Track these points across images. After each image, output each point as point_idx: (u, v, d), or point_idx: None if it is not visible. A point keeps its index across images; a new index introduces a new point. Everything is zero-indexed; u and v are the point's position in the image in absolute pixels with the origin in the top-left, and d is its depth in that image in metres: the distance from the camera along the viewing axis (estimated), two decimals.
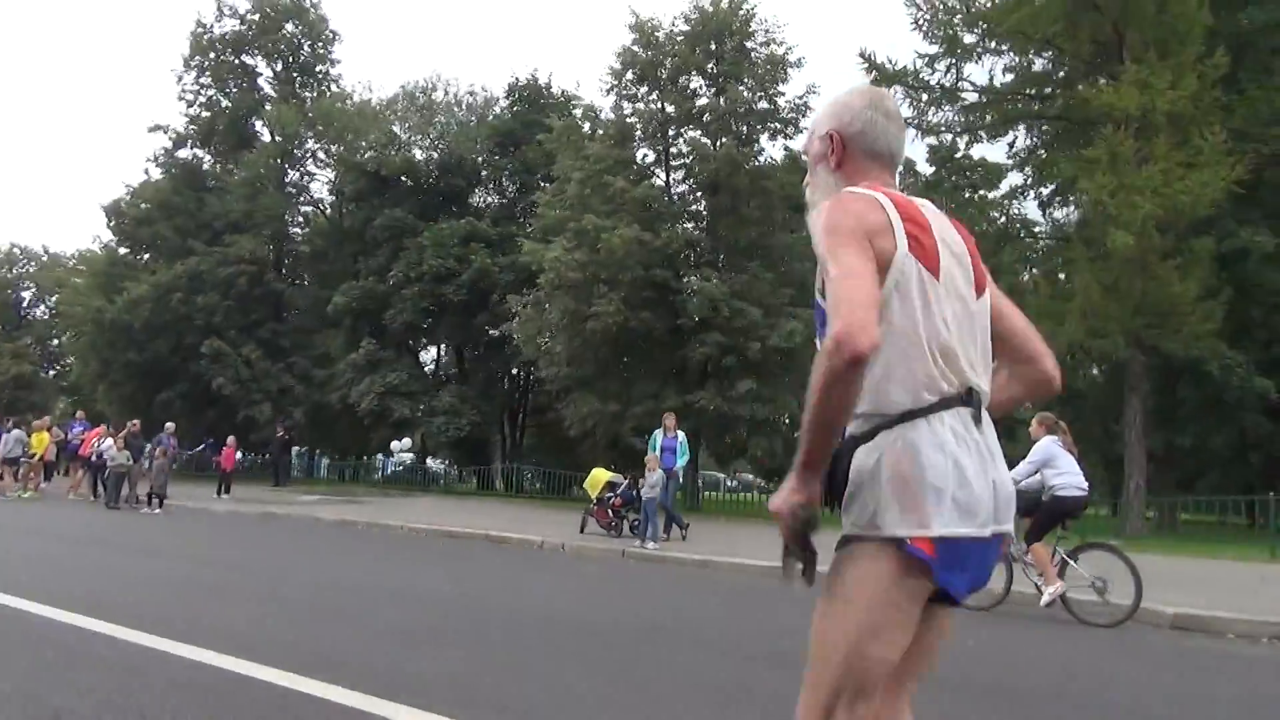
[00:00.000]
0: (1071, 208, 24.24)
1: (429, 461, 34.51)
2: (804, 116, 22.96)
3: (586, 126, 25.07)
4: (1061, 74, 22.51)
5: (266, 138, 36.06)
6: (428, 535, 14.20)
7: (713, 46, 23.31)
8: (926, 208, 1.93)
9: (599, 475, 14.47)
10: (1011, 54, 22.14)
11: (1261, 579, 10.83)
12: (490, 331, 28.91)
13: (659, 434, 14.14)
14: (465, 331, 30.15)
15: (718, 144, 22.65)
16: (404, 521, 15.31)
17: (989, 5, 21.58)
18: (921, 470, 1.75)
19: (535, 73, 32.65)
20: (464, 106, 34.15)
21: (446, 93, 34.56)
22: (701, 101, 23.44)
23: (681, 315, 21.56)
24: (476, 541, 13.47)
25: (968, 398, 1.83)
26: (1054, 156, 21.53)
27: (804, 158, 2.29)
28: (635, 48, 23.77)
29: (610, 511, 14.00)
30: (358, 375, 29.86)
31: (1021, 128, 24.09)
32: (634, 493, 13.71)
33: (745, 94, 22.98)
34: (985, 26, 21.73)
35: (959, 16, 22.16)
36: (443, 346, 34.45)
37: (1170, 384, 22.43)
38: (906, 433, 1.77)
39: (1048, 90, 23.03)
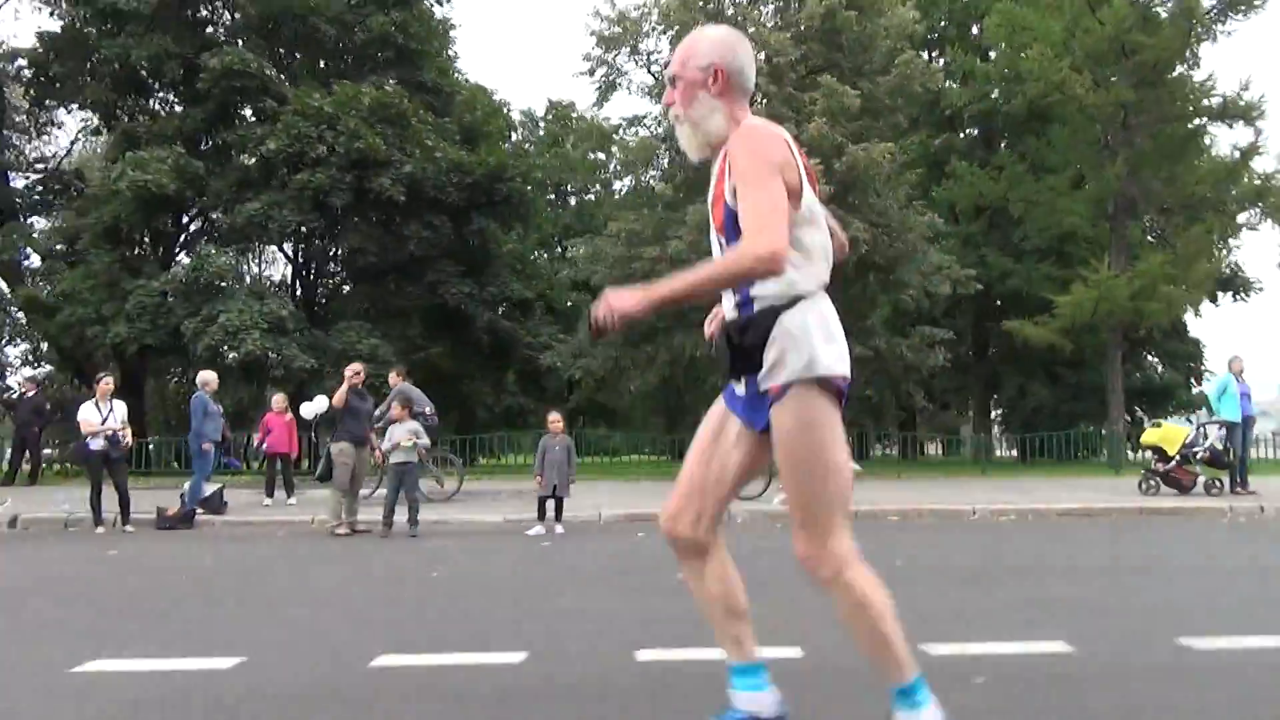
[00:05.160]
0: None
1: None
2: None
3: None
4: None
5: None
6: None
7: None
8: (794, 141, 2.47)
9: (1174, 432, 13.17)
10: None
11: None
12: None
13: (1230, 380, 13.18)
14: (390, 245, 20.89)
15: None
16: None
17: None
18: (836, 329, 2.38)
19: None
20: None
21: None
22: None
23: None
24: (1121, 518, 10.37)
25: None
26: None
27: (665, 74, 2.67)
28: None
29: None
30: (190, 302, 19.03)
31: None
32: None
33: None
34: None
35: None
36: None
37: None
38: (819, 304, 2.37)
39: None
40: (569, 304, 29.12)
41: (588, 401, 36.05)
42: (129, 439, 10.77)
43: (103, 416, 10.27)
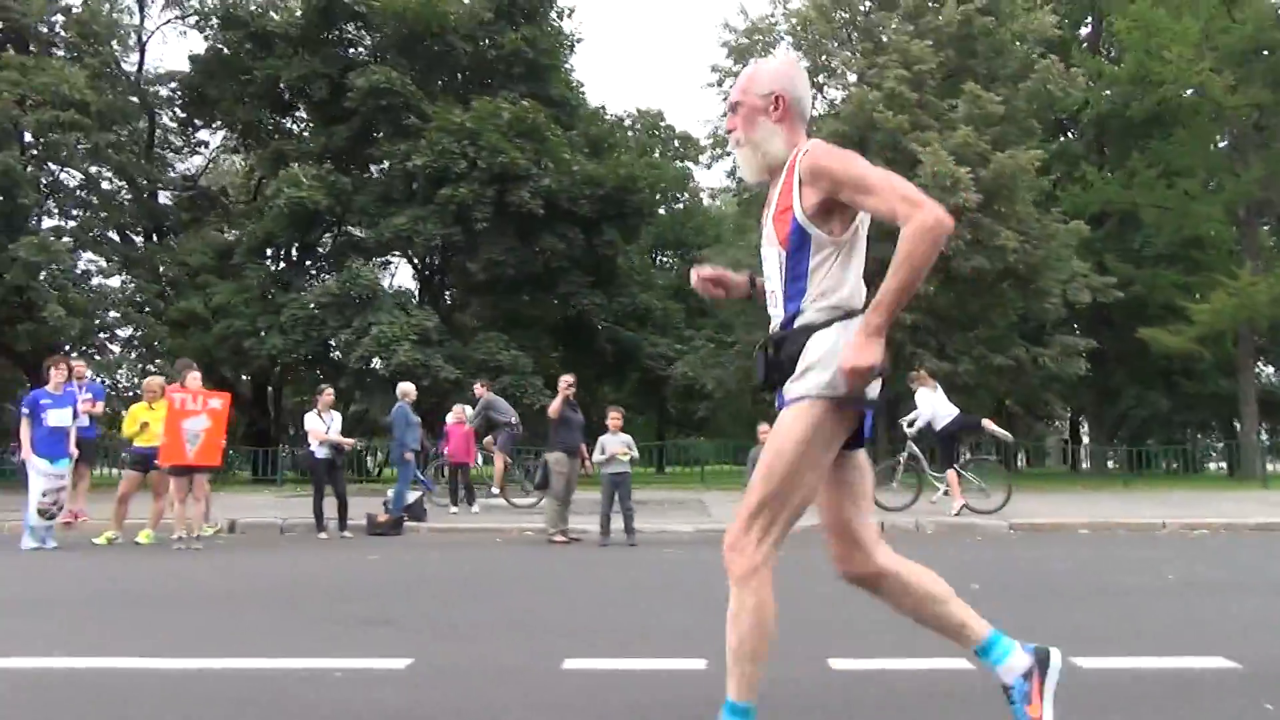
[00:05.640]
0: None
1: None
2: None
3: None
4: None
5: None
6: None
7: None
8: None
9: None
10: None
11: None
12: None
13: None
14: (527, 257, 21.34)
15: None
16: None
17: None
18: None
19: None
20: None
21: None
22: None
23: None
24: None
25: None
26: None
27: (727, 101, 2.81)
28: None
29: None
30: (341, 315, 19.73)
31: None
32: None
33: None
34: None
35: None
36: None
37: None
38: (852, 326, 2.42)
39: None
40: (660, 312, 29.47)
41: (675, 410, 36.34)
42: (349, 446, 11.31)
43: (326, 426, 10.79)
